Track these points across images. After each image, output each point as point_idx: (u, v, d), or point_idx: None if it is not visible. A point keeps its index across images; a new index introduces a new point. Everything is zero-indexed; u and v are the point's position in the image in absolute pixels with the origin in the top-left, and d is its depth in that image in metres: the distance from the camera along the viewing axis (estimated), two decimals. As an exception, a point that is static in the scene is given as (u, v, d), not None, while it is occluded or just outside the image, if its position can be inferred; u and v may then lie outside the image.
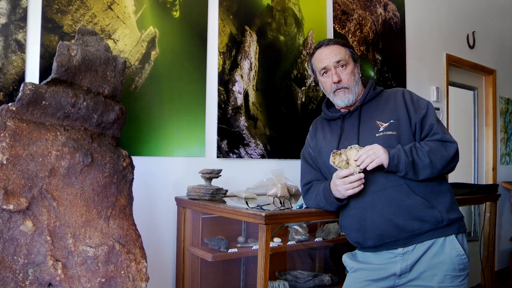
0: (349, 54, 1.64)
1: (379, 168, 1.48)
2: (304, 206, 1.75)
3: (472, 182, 4.29)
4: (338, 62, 1.61)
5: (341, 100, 1.64)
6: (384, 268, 1.55)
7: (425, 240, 1.49)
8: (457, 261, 1.48)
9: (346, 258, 1.70)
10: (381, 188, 1.50)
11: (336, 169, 1.52)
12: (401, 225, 1.48)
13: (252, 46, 2.50)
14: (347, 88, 1.62)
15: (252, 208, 1.66)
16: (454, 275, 1.48)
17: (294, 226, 2.21)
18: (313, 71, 1.73)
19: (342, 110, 1.68)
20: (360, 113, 1.63)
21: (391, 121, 1.55)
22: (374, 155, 1.44)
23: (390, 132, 1.53)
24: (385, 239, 1.51)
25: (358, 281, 1.60)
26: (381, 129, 1.55)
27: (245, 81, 2.46)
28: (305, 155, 1.79)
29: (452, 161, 1.49)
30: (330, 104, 1.76)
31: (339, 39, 1.72)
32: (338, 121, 1.68)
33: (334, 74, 1.61)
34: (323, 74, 1.66)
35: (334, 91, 1.63)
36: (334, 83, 1.62)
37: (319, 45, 1.67)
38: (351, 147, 1.51)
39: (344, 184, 1.48)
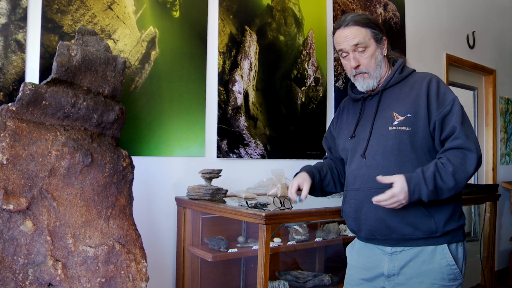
0: (370, 35, 1.50)
1: (385, 165, 1.45)
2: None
3: (472, 182, 4.29)
4: (356, 45, 1.50)
5: (360, 86, 1.55)
6: (373, 265, 1.54)
7: (415, 245, 1.46)
8: (447, 271, 1.43)
9: (347, 250, 1.70)
10: (382, 186, 1.43)
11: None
12: (393, 227, 1.45)
13: (252, 46, 2.50)
14: (366, 73, 1.52)
15: (252, 207, 1.66)
16: (442, 285, 1.43)
17: (294, 226, 2.21)
18: (335, 49, 1.63)
19: (365, 93, 1.59)
20: (380, 99, 1.54)
21: (408, 115, 1.45)
22: (397, 203, 1.37)
23: (403, 128, 1.44)
24: (376, 235, 1.50)
25: (353, 279, 1.61)
26: (396, 122, 1.46)
27: (245, 81, 2.46)
28: (325, 138, 1.79)
29: (473, 174, 1.39)
30: None
31: (362, 14, 1.55)
32: (360, 103, 1.61)
33: (352, 58, 1.51)
34: (342, 56, 1.56)
35: (354, 75, 1.55)
36: (352, 68, 1.53)
37: (338, 25, 1.55)
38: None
39: (290, 188, 1.59)
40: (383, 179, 1.39)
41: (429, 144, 1.46)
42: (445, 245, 1.45)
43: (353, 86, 1.67)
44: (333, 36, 1.61)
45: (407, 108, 1.47)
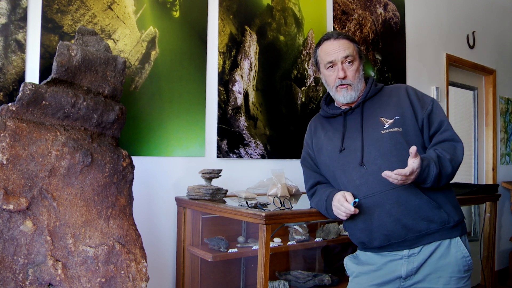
0: (356, 51, 1.60)
1: (387, 167, 1.45)
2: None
3: (472, 182, 4.29)
4: (346, 57, 1.56)
5: (343, 97, 1.59)
6: (388, 270, 1.53)
7: (432, 241, 1.48)
8: (462, 263, 1.48)
9: (348, 262, 1.68)
10: (389, 187, 1.47)
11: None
12: (409, 225, 1.46)
13: (252, 46, 2.50)
14: (350, 85, 1.57)
15: (252, 207, 1.66)
16: (459, 277, 1.48)
17: (294, 226, 2.21)
18: (316, 62, 1.67)
19: (343, 107, 1.64)
20: (363, 110, 1.59)
21: (396, 117, 1.52)
22: (404, 179, 1.35)
23: (395, 129, 1.50)
24: (392, 239, 1.49)
25: (362, 285, 1.58)
26: (386, 126, 1.52)
27: (245, 81, 2.46)
28: (304, 158, 1.75)
29: (461, 163, 1.48)
30: (329, 101, 1.73)
31: (348, 33, 1.67)
32: (340, 118, 1.64)
33: (340, 69, 1.57)
34: (328, 67, 1.60)
35: (337, 86, 1.59)
36: (339, 78, 1.57)
37: (327, 37, 1.62)
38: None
39: (337, 209, 1.50)
40: (401, 171, 1.33)
41: (421, 140, 1.54)
42: (458, 237, 1.50)
43: (327, 103, 1.73)
44: (317, 48, 1.65)
45: (392, 112, 1.54)
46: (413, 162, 1.33)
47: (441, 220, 1.47)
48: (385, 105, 1.57)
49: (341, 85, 1.58)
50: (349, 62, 1.57)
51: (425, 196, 1.47)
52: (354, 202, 1.45)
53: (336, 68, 1.58)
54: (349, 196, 1.48)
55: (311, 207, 1.73)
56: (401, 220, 1.47)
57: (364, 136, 1.54)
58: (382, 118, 1.54)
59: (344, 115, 1.63)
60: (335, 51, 1.58)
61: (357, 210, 1.45)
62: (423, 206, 1.46)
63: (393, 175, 1.33)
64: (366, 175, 1.51)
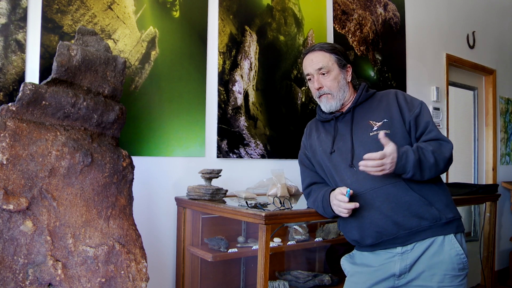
0: (333, 61, 1.64)
1: None
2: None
3: (472, 182, 4.29)
4: (319, 69, 1.63)
5: (324, 106, 1.66)
6: (383, 269, 1.55)
7: (424, 237, 1.49)
8: (457, 261, 1.48)
9: (344, 261, 1.71)
10: (379, 185, 1.50)
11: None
12: (400, 221, 1.48)
13: (252, 46, 2.50)
14: (329, 94, 1.63)
15: (252, 207, 1.66)
16: (453, 275, 1.48)
17: (294, 226, 2.21)
18: (302, 74, 1.75)
19: (336, 112, 1.69)
20: (353, 115, 1.64)
21: (384, 120, 1.56)
22: (382, 167, 1.39)
23: (383, 131, 1.53)
24: (383, 236, 1.52)
25: (357, 285, 1.60)
26: (375, 128, 1.56)
27: (245, 81, 2.46)
28: (302, 159, 1.81)
29: (449, 161, 1.50)
30: None
31: (330, 43, 1.73)
32: (332, 122, 1.70)
33: (315, 80, 1.64)
34: (308, 80, 1.70)
35: (318, 97, 1.67)
36: (315, 89, 1.65)
37: (306, 51, 1.70)
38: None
39: (337, 206, 1.52)
40: (372, 155, 1.38)
41: (408, 142, 1.56)
42: (452, 235, 1.51)
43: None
44: (302, 62, 1.74)
45: (381, 115, 1.58)
46: (385, 148, 1.38)
47: (432, 217, 1.48)
48: (374, 109, 1.62)
49: (320, 95, 1.66)
50: (324, 73, 1.63)
51: (415, 193, 1.49)
52: (348, 194, 1.47)
53: (313, 80, 1.66)
54: (344, 190, 1.51)
55: (308, 207, 1.74)
56: (391, 217, 1.49)
57: (354, 138, 1.59)
58: (371, 121, 1.59)
59: (336, 120, 1.68)
60: (309, 64, 1.66)
61: (352, 203, 1.46)
62: (414, 203, 1.48)
63: (368, 163, 1.38)
64: (356, 174, 1.55)
